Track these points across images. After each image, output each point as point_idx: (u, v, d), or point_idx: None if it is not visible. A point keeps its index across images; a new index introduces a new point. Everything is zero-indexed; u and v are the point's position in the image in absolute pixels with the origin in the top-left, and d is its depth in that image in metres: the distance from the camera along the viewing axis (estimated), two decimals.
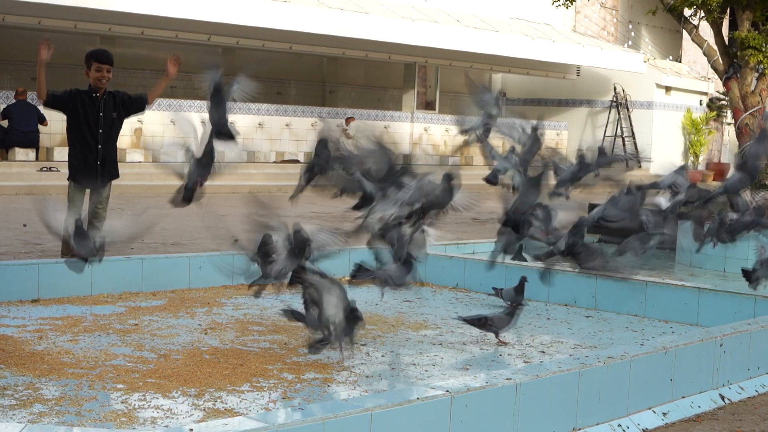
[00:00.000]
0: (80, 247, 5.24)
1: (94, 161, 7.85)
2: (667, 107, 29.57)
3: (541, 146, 5.88)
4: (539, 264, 7.30)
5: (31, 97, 18.56)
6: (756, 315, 6.55)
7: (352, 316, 4.91)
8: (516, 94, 30.93)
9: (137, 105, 8.02)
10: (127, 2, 18.41)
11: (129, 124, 19.93)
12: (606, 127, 28.90)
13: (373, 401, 3.72)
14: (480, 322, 5.97)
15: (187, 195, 5.39)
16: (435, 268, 8.26)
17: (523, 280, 7.08)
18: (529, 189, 5.47)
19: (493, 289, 7.30)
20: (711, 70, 10.69)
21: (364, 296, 7.61)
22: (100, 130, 7.87)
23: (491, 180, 6.16)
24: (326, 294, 4.91)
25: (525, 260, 8.42)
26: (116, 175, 8.05)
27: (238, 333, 6.05)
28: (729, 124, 29.79)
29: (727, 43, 10.37)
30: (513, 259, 8.32)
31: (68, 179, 7.90)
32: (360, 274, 5.67)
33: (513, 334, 6.37)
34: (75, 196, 7.85)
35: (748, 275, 6.83)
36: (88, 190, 7.95)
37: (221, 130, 5.30)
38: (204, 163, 5.37)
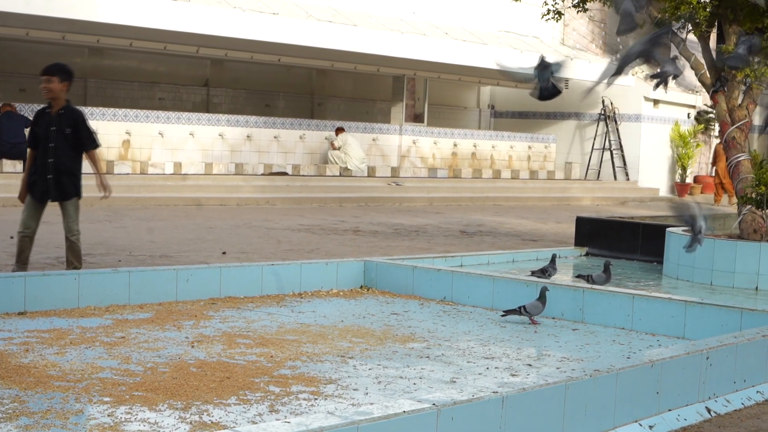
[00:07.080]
0: None
1: (45, 175, 7.84)
2: (655, 120, 29.67)
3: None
4: None
5: (19, 108, 18.53)
6: (742, 328, 6.58)
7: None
8: (505, 107, 31.00)
9: (87, 139, 8.00)
10: (116, 14, 18.39)
11: (117, 135, 20.03)
12: (594, 140, 29.00)
13: (359, 414, 3.72)
14: None
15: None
16: (422, 281, 8.26)
17: (543, 290, 7.13)
18: None
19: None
20: (698, 84, 10.71)
21: (351, 309, 7.62)
22: (51, 144, 7.86)
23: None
24: None
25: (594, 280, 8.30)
26: (73, 192, 7.99)
27: (225, 346, 6.04)
28: (716, 137, 29.90)
29: (714, 56, 10.40)
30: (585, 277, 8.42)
31: (27, 191, 7.95)
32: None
33: (499, 347, 6.38)
34: (29, 206, 7.88)
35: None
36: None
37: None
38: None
